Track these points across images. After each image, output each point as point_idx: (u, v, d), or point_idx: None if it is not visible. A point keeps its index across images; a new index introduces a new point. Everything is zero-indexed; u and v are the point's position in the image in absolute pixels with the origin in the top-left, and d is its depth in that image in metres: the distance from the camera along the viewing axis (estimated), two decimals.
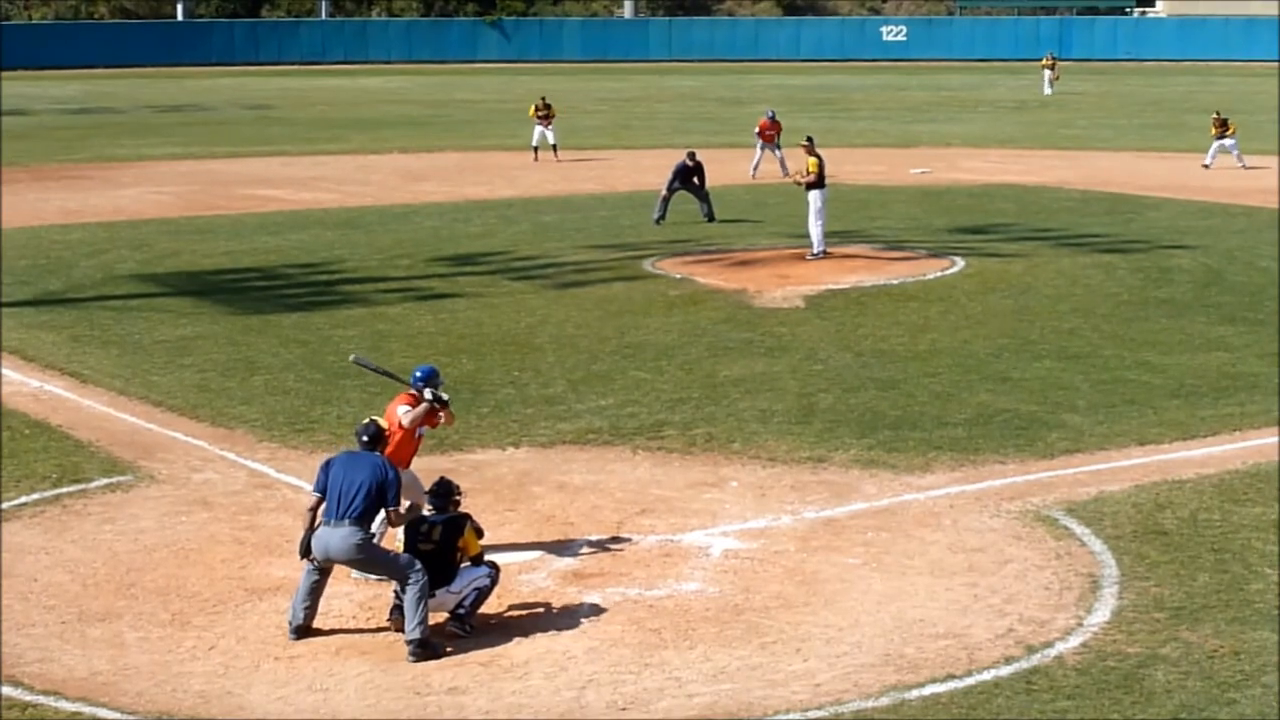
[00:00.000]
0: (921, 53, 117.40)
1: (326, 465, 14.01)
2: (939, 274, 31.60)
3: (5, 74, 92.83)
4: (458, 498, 14.38)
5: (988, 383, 22.79)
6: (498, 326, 27.02)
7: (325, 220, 39.35)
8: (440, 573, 13.88)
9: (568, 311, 28.19)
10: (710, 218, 38.00)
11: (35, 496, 17.87)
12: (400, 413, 15.34)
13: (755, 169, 47.35)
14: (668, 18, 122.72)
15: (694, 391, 22.34)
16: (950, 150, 57.21)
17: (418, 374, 15.59)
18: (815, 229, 32.73)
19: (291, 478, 18.28)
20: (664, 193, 38.24)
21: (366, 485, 13.65)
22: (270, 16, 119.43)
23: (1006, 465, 18.83)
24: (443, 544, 14.00)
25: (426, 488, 14.52)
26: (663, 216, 37.80)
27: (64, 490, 18.09)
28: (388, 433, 14.73)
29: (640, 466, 18.88)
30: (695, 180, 38.27)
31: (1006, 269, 31.95)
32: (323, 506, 13.78)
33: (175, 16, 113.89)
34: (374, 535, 14.19)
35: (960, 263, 32.64)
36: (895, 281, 30.73)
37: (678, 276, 31.32)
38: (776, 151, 47.46)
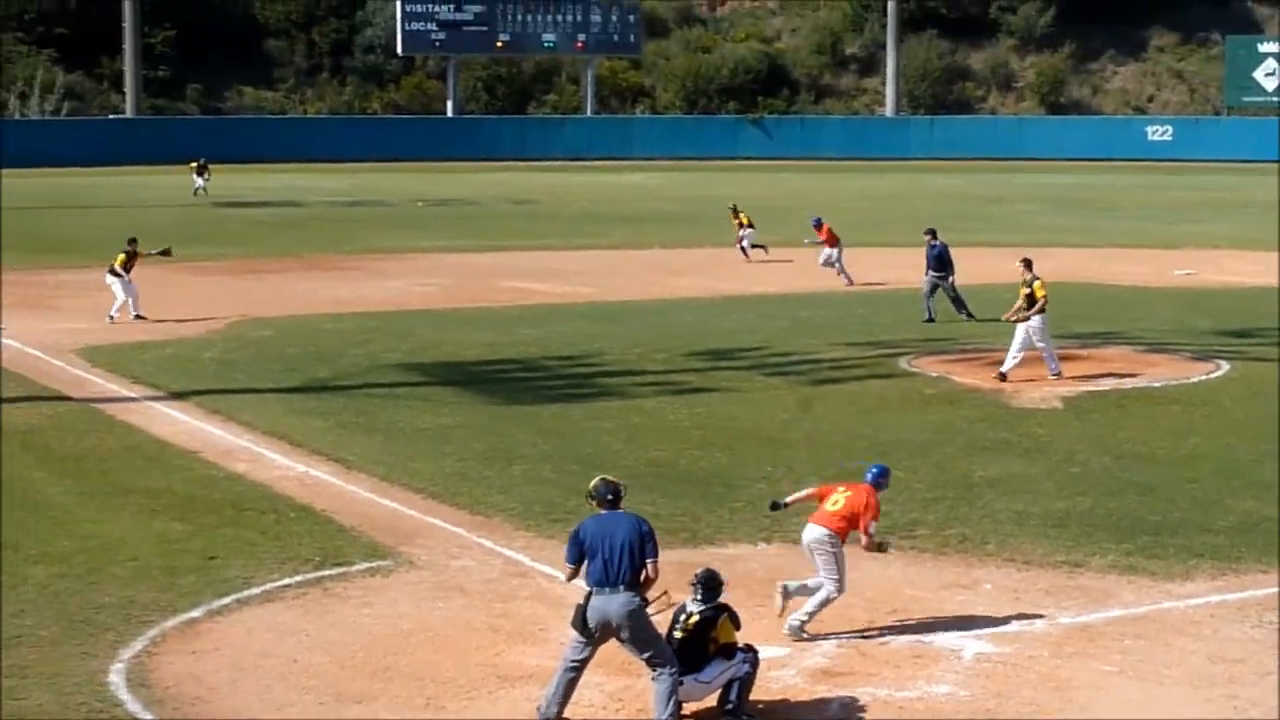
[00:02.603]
0: (1187, 152, 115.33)
1: (577, 533, 14.16)
2: (1202, 377, 31.00)
3: (285, 165, 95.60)
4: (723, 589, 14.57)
5: (1252, 489, 22.28)
6: (751, 421, 27.09)
7: (585, 313, 39.84)
8: (691, 660, 14.00)
9: (822, 408, 28.18)
10: (964, 310, 37.73)
11: (298, 578, 18.32)
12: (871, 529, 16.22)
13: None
14: (929, 116, 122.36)
15: (948, 491, 22.18)
16: (1216, 252, 56.07)
17: (874, 471, 16.61)
18: (1043, 350, 30.51)
19: (547, 566, 18.46)
20: (925, 289, 38.08)
21: (628, 546, 13.79)
22: (538, 113, 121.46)
23: (1270, 575, 18.37)
24: (697, 632, 14.13)
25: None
26: (931, 319, 37.49)
27: (326, 573, 18.53)
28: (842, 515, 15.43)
29: (892, 565, 18.77)
30: (944, 263, 37.96)
31: (1273, 374, 31.20)
32: (583, 571, 14.00)
33: (445, 112, 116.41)
34: (649, 603, 14.12)
35: (1225, 366, 31.99)
36: (1157, 384, 30.20)
37: (934, 375, 31.16)
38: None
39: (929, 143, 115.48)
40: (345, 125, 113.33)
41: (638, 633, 13.88)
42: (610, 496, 14.29)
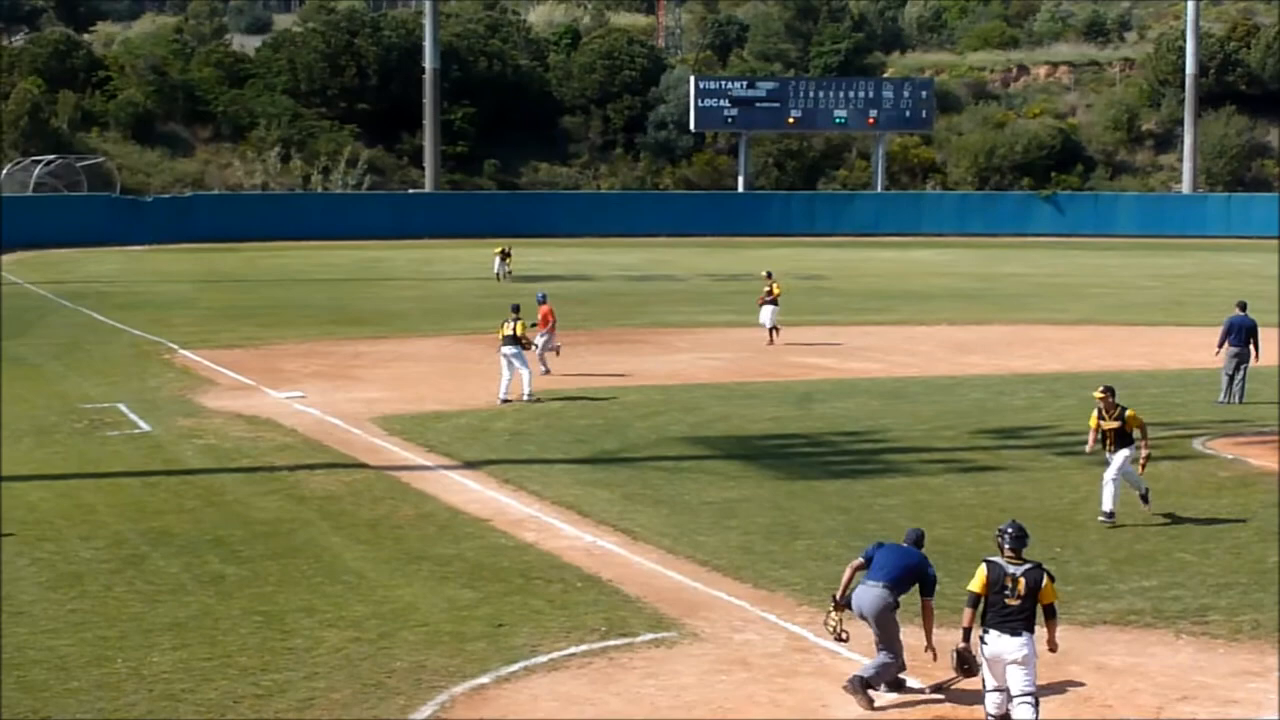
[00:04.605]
0: None
1: (880, 544, 17.10)
2: None
3: (577, 239, 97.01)
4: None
5: None
6: (1039, 501, 26.80)
7: (871, 389, 39.72)
8: (1026, 623, 14.94)
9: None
10: (1236, 392, 36.65)
11: (584, 648, 18.60)
12: None
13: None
14: (1226, 193, 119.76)
15: (1241, 576, 21.72)
16: None
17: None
18: (1108, 487, 25.37)
19: (829, 643, 18.47)
20: (1228, 368, 36.94)
21: (904, 565, 16.65)
22: (827, 189, 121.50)
23: None
24: (1027, 596, 14.97)
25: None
26: (1230, 400, 36.48)
27: (611, 643, 18.78)
28: None
29: (1182, 651, 18.45)
30: (1251, 338, 36.77)
31: None
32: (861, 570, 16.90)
33: (736, 188, 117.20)
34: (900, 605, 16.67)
35: None
36: None
37: (1229, 457, 30.49)
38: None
39: (1225, 221, 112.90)
40: (637, 200, 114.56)
41: (884, 625, 16.59)
42: (914, 538, 17.15)
